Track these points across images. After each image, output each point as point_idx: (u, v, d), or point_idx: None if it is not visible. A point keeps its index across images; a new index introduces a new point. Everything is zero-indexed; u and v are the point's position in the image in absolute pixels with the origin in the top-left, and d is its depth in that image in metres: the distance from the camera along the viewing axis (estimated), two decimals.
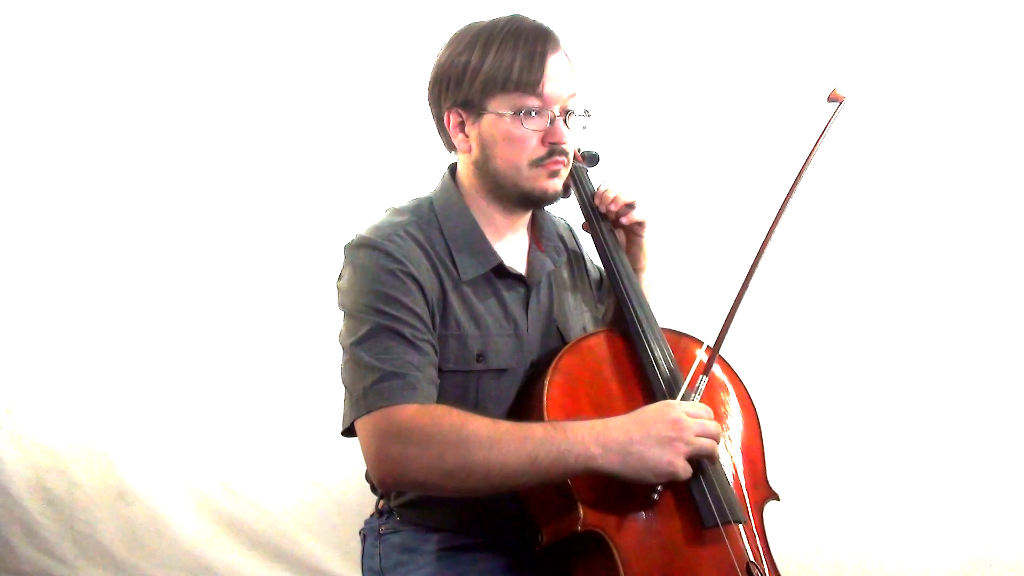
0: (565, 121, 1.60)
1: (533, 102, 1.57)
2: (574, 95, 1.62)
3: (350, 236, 1.62)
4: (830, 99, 1.69)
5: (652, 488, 1.48)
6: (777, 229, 1.64)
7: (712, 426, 1.50)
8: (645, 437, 1.45)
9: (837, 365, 2.89)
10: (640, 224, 1.78)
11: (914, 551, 2.83)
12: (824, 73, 2.62)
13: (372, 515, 1.80)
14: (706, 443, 1.48)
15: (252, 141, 3.05)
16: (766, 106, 2.83)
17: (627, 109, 2.80)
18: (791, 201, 1.64)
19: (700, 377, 1.58)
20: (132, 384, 3.07)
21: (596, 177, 1.82)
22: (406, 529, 1.70)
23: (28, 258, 3.06)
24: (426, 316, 1.56)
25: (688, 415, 1.48)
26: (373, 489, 1.74)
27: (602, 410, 1.53)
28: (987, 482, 2.81)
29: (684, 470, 1.46)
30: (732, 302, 1.62)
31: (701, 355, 1.64)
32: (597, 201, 1.77)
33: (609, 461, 1.43)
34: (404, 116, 2.72)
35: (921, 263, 2.86)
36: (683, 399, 1.55)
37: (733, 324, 1.61)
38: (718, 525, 1.49)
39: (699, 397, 1.56)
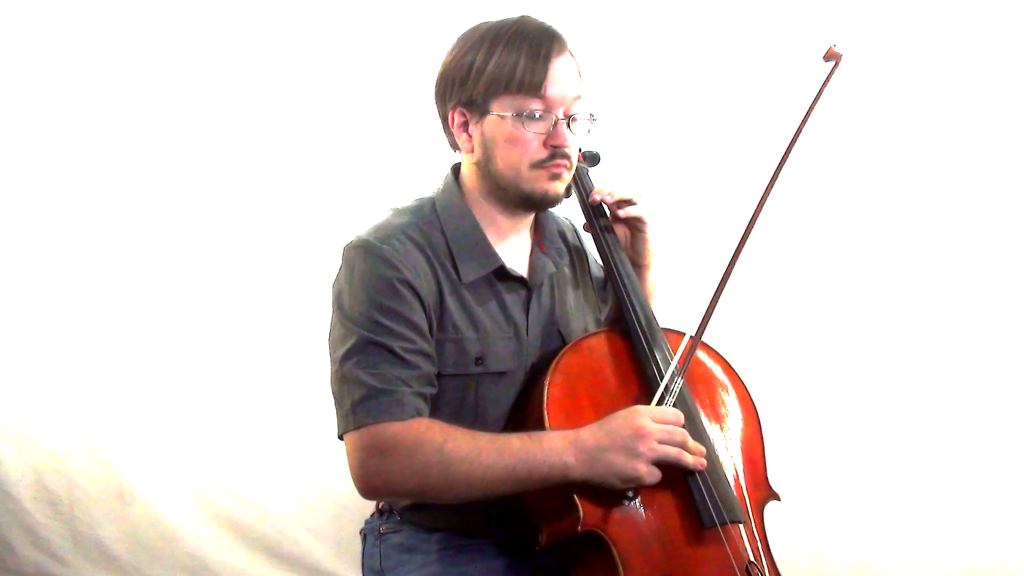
0: (568, 125, 1.59)
1: (536, 104, 1.56)
2: (579, 98, 1.60)
3: (351, 236, 1.62)
4: (826, 57, 1.63)
5: (623, 492, 1.49)
6: (771, 223, 1.62)
7: (678, 433, 1.50)
8: (611, 444, 1.46)
9: (838, 366, 2.89)
10: (640, 220, 1.77)
11: (914, 552, 2.83)
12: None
13: (372, 515, 1.80)
14: (670, 450, 1.48)
15: (253, 143, 3.05)
16: (762, 104, 2.82)
17: (624, 106, 2.79)
18: (777, 186, 1.59)
19: (675, 379, 1.56)
20: (132, 384, 3.06)
21: (597, 177, 1.82)
22: (406, 529, 1.70)
23: (29, 259, 3.05)
24: (422, 324, 1.56)
25: (654, 420, 1.49)
26: None
27: (602, 410, 1.53)
28: (987, 485, 2.81)
29: (649, 475, 1.47)
30: (711, 297, 1.60)
31: (680, 353, 1.60)
32: (594, 195, 1.75)
33: (580, 469, 1.46)
34: (407, 116, 2.73)
35: (922, 269, 2.86)
36: (659, 403, 1.54)
37: (711, 322, 1.59)
38: (717, 525, 1.49)
39: (673, 400, 1.55)
